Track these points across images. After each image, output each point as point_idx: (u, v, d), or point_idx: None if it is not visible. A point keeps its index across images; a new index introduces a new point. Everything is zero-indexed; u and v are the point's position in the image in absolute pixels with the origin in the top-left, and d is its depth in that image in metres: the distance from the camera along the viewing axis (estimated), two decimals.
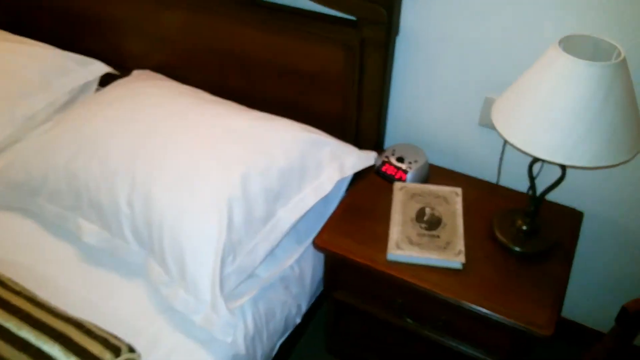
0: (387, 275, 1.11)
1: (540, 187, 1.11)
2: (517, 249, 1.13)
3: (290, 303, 1.24)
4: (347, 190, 1.33)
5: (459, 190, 1.26)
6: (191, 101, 1.30)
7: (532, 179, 1.09)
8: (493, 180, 1.35)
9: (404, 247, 1.12)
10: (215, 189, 1.09)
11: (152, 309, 1.10)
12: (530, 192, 1.11)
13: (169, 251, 1.07)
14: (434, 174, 1.34)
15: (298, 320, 1.31)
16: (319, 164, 1.24)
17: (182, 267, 1.06)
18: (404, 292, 1.15)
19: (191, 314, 1.05)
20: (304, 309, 1.31)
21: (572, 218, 1.23)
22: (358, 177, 1.33)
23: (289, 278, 1.23)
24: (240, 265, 1.10)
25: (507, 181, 1.34)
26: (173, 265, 1.07)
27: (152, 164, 1.13)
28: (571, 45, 0.93)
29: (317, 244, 1.17)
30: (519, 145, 0.95)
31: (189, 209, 1.08)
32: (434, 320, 1.17)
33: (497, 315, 1.02)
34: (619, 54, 0.88)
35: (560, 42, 0.91)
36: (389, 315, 1.23)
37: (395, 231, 1.15)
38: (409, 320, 1.20)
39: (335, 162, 1.26)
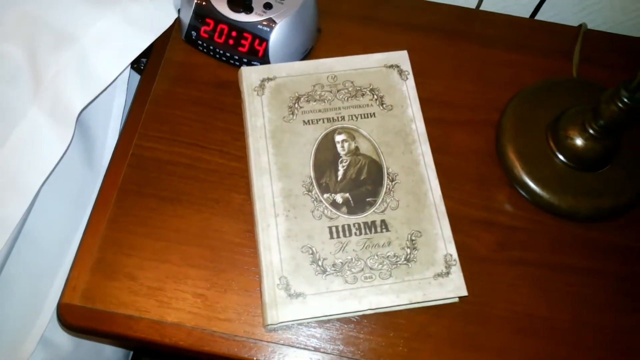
0: None
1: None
2: (581, 210, 0.45)
3: None
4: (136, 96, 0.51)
5: (402, 56, 0.49)
6: None
7: None
8: (470, 3, 0.58)
9: (302, 286, 0.40)
10: None
11: None
12: None
13: None
14: (327, 12, 0.54)
15: None
16: (11, 79, 0.41)
17: None
18: None
19: None
20: None
21: None
22: (150, 50, 0.51)
23: None
24: None
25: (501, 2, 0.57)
26: None
27: None
28: None
29: (66, 318, 0.41)
30: None
31: None
32: None
33: None
34: None
35: None
36: None
37: (268, 237, 0.41)
38: None
39: (60, 52, 0.43)
